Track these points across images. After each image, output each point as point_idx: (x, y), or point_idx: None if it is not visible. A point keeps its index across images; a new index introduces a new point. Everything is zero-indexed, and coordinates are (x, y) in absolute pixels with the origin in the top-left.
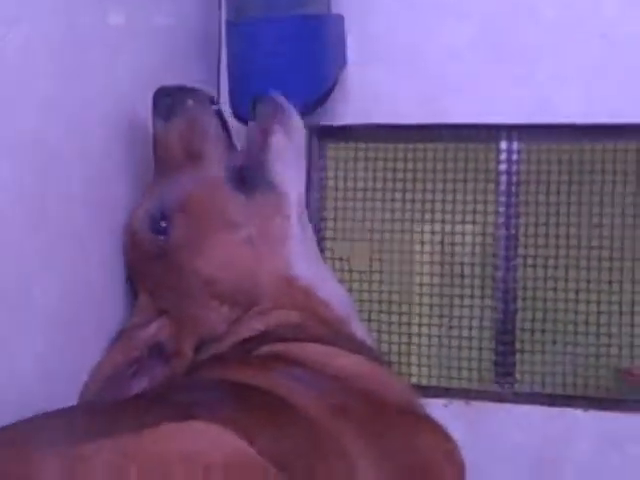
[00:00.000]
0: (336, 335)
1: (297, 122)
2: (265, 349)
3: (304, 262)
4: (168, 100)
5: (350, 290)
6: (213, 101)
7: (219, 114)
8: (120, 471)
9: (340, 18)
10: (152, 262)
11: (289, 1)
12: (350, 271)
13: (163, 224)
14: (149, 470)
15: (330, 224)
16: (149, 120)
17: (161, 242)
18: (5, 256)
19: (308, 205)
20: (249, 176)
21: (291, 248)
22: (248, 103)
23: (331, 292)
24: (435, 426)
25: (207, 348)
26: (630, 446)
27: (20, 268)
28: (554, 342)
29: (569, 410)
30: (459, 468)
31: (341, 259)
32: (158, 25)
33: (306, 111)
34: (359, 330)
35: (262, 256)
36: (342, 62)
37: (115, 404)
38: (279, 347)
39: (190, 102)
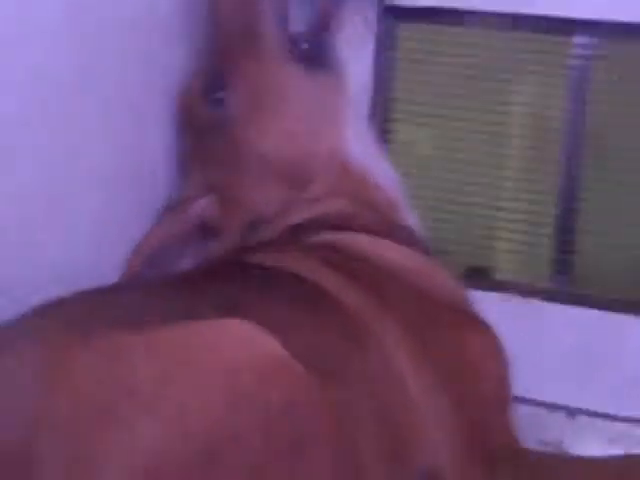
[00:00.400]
0: (388, 224)
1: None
2: (315, 238)
3: (360, 144)
4: None
5: (411, 175)
6: None
7: None
8: (145, 369)
9: None
10: (206, 134)
11: None
12: (414, 156)
13: (220, 95)
14: (174, 370)
15: (398, 105)
16: None
17: (217, 113)
18: (60, 119)
19: (376, 84)
20: (311, 53)
21: (348, 130)
22: None
23: (384, 176)
24: (480, 323)
25: (256, 230)
26: None
27: (75, 131)
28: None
29: (625, 316)
30: (502, 366)
31: (405, 143)
32: None
33: None
34: (410, 217)
35: (318, 135)
36: None
37: (154, 288)
38: (329, 237)
39: None
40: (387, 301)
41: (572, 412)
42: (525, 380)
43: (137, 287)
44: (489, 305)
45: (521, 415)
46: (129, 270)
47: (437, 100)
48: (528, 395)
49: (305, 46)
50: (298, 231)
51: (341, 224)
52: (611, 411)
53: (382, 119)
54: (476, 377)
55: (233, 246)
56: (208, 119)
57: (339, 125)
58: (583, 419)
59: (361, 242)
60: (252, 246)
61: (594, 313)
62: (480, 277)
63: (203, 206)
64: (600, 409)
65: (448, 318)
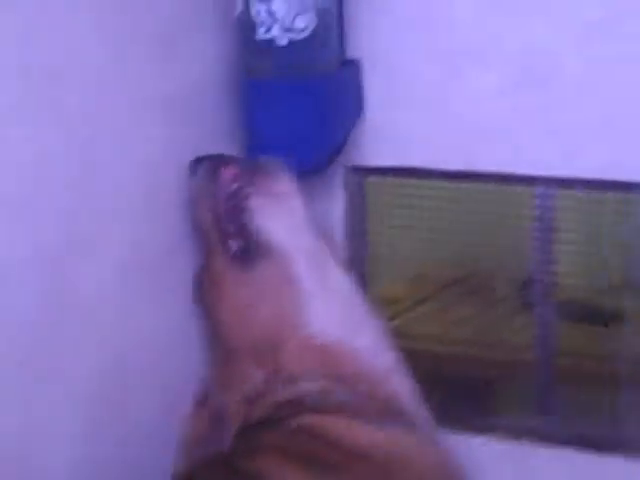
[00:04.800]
0: (365, 398)
1: (279, 179)
2: (296, 421)
3: (325, 317)
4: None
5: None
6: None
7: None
8: None
9: (355, 66)
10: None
11: (296, 63)
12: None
13: (196, 290)
14: None
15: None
16: None
17: (199, 302)
18: None
19: (349, 242)
20: (244, 250)
21: (306, 306)
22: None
23: (360, 344)
24: None
25: (252, 406)
26: None
27: None
28: None
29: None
30: None
31: (385, 298)
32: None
33: (322, 165)
34: (398, 385)
35: (276, 321)
36: (357, 111)
37: None
38: (307, 420)
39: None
40: None
41: None
42: None
43: None
44: None
45: None
46: (180, 460)
47: (410, 254)
48: None
49: (235, 246)
50: (282, 409)
51: (318, 405)
52: None
53: (359, 275)
54: None
55: (241, 420)
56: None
57: (294, 305)
58: None
59: (337, 426)
60: (243, 447)
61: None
62: None
63: (219, 399)
64: None
65: None
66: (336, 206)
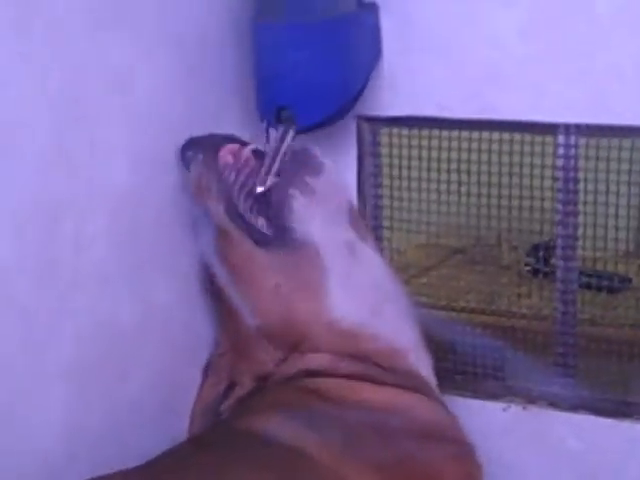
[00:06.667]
0: (369, 367)
1: (324, 172)
2: (300, 383)
3: (347, 303)
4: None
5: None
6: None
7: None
8: None
9: (373, 8)
10: (214, 299)
11: (316, 3)
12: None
13: (213, 272)
14: None
15: (387, 212)
16: None
17: (216, 287)
18: None
19: (362, 193)
20: (272, 237)
21: (329, 293)
22: (273, 109)
23: (382, 324)
24: (460, 452)
25: (264, 382)
26: None
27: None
28: None
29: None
30: None
31: (399, 251)
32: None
33: (337, 116)
34: (417, 359)
35: (294, 305)
36: (375, 56)
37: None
38: (309, 382)
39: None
40: (359, 447)
41: None
42: None
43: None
44: None
45: None
46: (194, 426)
47: (424, 205)
48: None
49: (269, 232)
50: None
51: (327, 372)
52: None
53: (372, 227)
54: None
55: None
56: (213, 287)
57: (317, 291)
58: None
59: (342, 386)
60: (243, 409)
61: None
62: None
63: (230, 365)
64: None
65: (422, 450)
66: (348, 160)
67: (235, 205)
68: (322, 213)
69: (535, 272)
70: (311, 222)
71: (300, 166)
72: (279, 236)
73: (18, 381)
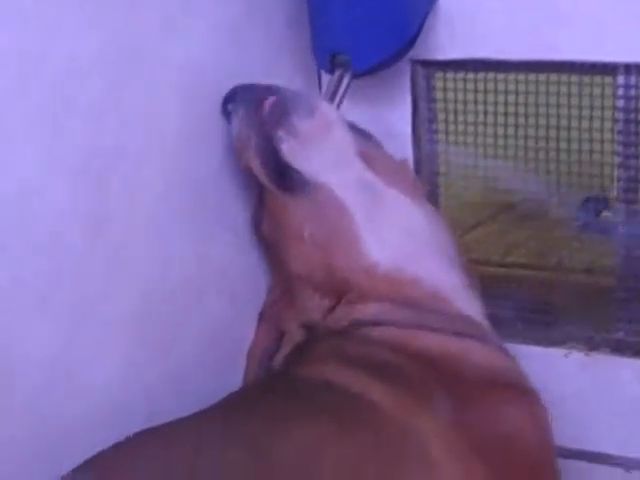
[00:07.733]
0: (422, 315)
1: (315, 115)
2: (355, 333)
3: (379, 247)
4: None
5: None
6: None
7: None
8: None
9: None
10: (267, 249)
11: None
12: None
13: (259, 223)
14: None
15: (442, 158)
16: None
17: (264, 238)
18: None
19: (417, 139)
20: (290, 182)
21: (363, 237)
22: (328, 55)
23: (422, 268)
24: (523, 395)
25: (311, 332)
26: None
27: None
28: None
29: None
30: (543, 437)
31: (454, 196)
32: None
33: (395, 58)
34: (466, 303)
35: (330, 252)
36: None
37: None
38: (365, 331)
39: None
40: (421, 394)
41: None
42: None
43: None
44: None
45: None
46: (249, 373)
47: (480, 150)
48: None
49: (289, 176)
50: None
51: (380, 321)
52: None
53: (428, 173)
54: (514, 451)
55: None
56: (260, 239)
57: (347, 236)
58: None
59: (401, 335)
60: (301, 358)
61: None
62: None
63: (279, 313)
64: None
65: (485, 396)
66: (402, 105)
67: (270, 159)
68: (321, 154)
69: (585, 226)
70: (311, 163)
71: (287, 109)
72: (287, 178)
73: (76, 332)
